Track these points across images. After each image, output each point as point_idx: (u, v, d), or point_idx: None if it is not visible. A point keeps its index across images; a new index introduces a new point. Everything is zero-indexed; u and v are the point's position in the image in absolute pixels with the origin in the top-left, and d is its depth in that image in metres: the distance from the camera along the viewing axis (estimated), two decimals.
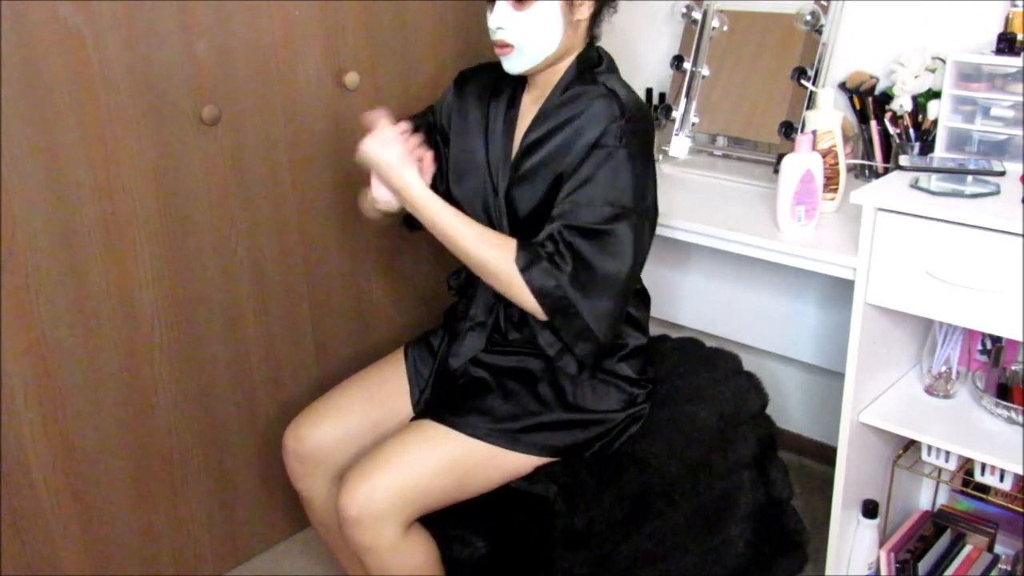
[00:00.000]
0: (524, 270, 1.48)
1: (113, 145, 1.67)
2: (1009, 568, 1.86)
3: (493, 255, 1.51)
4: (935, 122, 1.78)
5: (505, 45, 1.55)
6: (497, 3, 1.54)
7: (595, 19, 1.60)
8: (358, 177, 2.04)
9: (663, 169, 2.12)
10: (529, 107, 1.63)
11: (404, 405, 1.71)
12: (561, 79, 1.59)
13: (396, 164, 1.54)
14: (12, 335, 1.62)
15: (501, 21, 1.54)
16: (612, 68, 1.62)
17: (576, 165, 1.51)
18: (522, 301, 1.50)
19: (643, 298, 1.73)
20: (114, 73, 1.64)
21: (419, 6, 2.06)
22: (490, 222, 1.63)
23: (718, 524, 1.76)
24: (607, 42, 1.68)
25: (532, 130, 1.60)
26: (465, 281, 1.76)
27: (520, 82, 1.66)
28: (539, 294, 1.49)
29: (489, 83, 1.70)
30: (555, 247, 1.49)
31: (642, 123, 1.54)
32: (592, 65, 1.60)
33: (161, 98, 1.71)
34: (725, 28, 2.13)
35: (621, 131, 1.50)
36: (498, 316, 1.69)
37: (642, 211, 1.53)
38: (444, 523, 1.60)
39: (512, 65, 1.58)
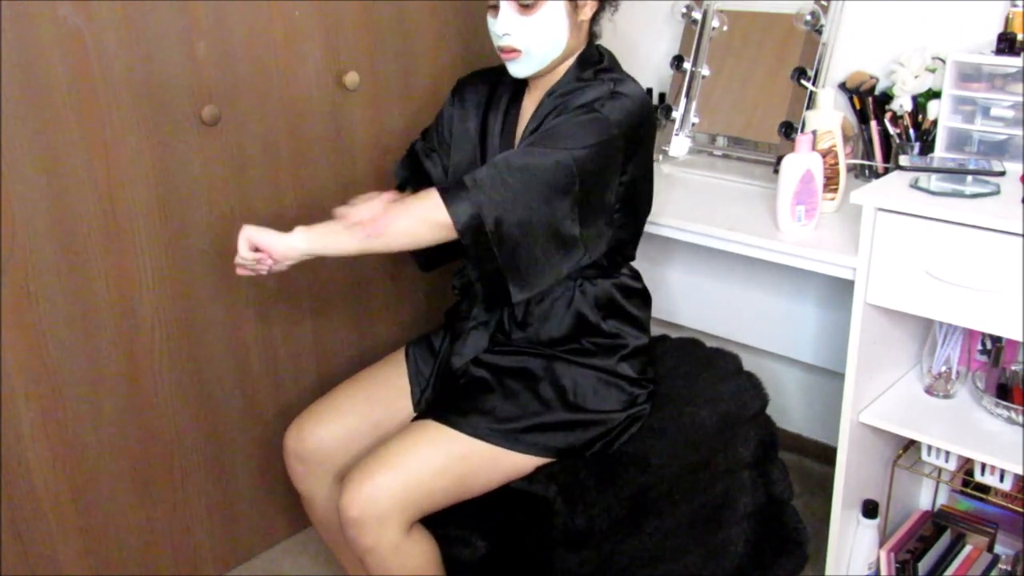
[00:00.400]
0: (446, 198, 1.44)
1: (113, 145, 1.67)
2: (1009, 568, 1.86)
3: (421, 209, 1.45)
4: (935, 122, 1.78)
5: (512, 50, 1.54)
6: (502, 9, 1.52)
7: (595, 18, 1.60)
8: (358, 177, 2.05)
9: (663, 169, 2.12)
10: (529, 108, 1.64)
11: (405, 405, 1.71)
12: (563, 78, 1.60)
13: (276, 242, 1.48)
14: (12, 335, 1.62)
15: (507, 27, 1.53)
16: (614, 63, 1.63)
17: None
18: (448, 231, 1.45)
19: (643, 298, 1.73)
20: (114, 73, 1.64)
21: (419, 6, 2.06)
22: None
23: (718, 524, 1.76)
24: (607, 42, 1.68)
25: (530, 123, 1.61)
26: (469, 281, 1.76)
27: (520, 84, 1.65)
28: (457, 219, 1.44)
29: (486, 91, 1.70)
30: (485, 172, 1.45)
31: (639, 107, 1.54)
32: (593, 63, 1.60)
33: (161, 98, 1.71)
34: (725, 28, 2.13)
35: (607, 100, 1.50)
36: (501, 315, 1.69)
37: (593, 173, 1.48)
38: (444, 523, 1.60)
39: (519, 69, 1.57)
